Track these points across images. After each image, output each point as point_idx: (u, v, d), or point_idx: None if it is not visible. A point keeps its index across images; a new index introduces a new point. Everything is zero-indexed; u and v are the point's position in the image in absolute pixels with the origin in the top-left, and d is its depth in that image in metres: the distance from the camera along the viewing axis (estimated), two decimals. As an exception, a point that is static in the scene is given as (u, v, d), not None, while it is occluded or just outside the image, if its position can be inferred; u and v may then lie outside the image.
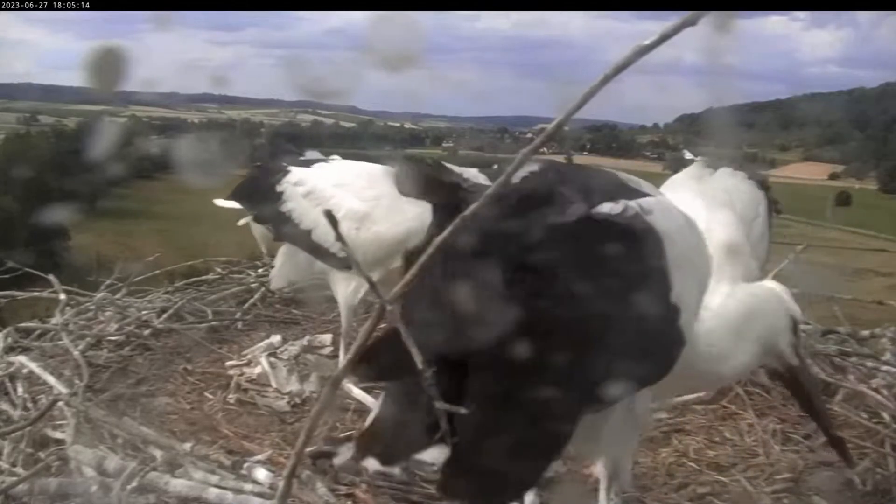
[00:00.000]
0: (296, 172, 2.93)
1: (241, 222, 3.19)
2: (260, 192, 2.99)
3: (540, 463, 1.35)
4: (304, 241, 2.87)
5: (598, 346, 1.29)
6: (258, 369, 3.10)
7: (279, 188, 2.90)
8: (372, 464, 1.27)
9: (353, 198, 2.72)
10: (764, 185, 2.73)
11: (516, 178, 1.53)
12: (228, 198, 3.10)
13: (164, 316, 3.59)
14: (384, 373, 1.28)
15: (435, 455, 1.24)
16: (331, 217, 1.13)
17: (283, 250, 3.14)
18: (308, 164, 3.00)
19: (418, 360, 1.00)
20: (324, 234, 2.80)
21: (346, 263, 2.79)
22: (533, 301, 1.25)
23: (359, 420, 2.74)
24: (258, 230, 3.20)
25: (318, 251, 2.85)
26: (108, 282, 3.81)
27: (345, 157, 3.15)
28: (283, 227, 2.92)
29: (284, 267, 3.17)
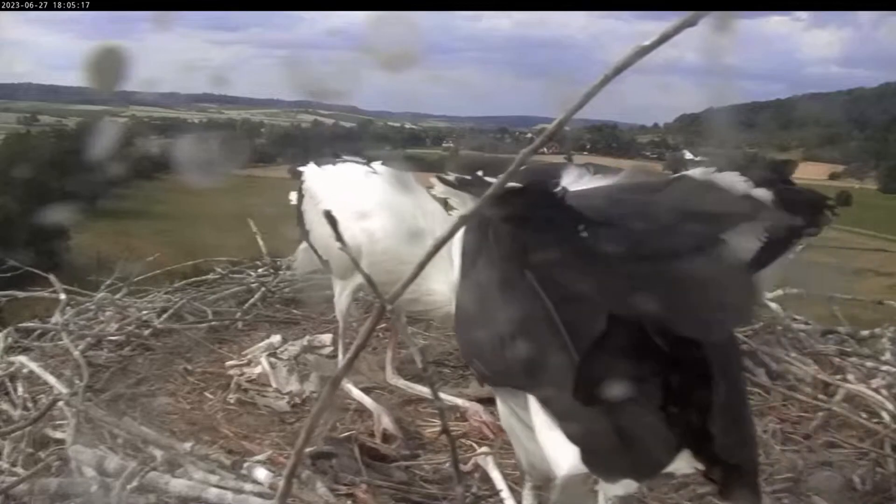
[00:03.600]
0: (308, 172, 3.01)
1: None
2: (298, 191, 3.08)
3: None
4: (308, 240, 2.99)
5: None
6: (258, 369, 3.10)
7: (302, 188, 3.01)
8: (624, 485, 1.13)
9: (333, 204, 2.72)
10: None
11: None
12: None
13: (165, 316, 3.59)
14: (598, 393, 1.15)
15: (681, 465, 1.16)
16: (330, 218, 1.13)
17: (303, 245, 3.20)
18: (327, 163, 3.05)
19: (419, 359, 1.00)
20: (314, 237, 2.92)
21: (328, 266, 2.89)
22: None
23: (358, 420, 2.75)
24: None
25: (314, 251, 2.95)
26: (108, 282, 3.81)
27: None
28: (301, 227, 3.03)
29: (304, 261, 3.28)
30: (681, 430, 1.14)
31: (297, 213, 3.04)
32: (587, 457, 1.14)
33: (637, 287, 1.16)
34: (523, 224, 1.30)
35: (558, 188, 1.41)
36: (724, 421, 1.15)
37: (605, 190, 1.52)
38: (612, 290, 1.18)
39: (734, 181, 1.43)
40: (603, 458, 1.14)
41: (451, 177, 1.69)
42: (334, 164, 3.03)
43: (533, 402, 1.28)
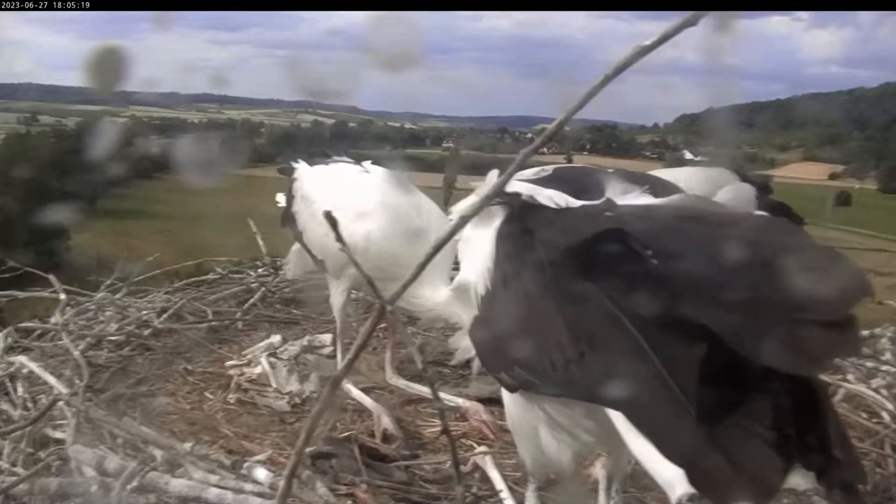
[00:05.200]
0: (299, 172, 3.00)
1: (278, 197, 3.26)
2: (287, 195, 3.09)
3: None
4: (301, 241, 2.98)
5: None
6: (258, 369, 3.10)
7: (293, 189, 3.00)
8: None
9: (328, 204, 2.72)
10: (765, 189, 2.75)
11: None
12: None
13: (165, 316, 3.59)
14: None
15: (799, 481, 1.15)
16: (330, 218, 1.13)
17: (295, 247, 3.20)
18: (318, 163, 3.04)
19: (419, 359, 1.00)
20: (308, 237, 2.91)
21: (324, 266, 2.88)
22: None
23: (358, 420, 2.75)
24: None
25: (307, 251, 2.94)
26: (108, 282, 3.82)
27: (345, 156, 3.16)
28: (293, 228, 3.01)
29: (297, 263, 3.27)
30: (797, 450, 1.13)
31: (286, 214, 3.03)
32: (696, 480, 1.14)
33: (735, 317, 1.15)
34: (580, 244, 1.33)
35: (608, 203, 1.46)
36: (839, 440, 1.16)
37: (665, 214, 1.47)
38: (703, 310, 1.18)
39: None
40: (713, 480, 1.13)
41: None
42: (326, 164, 3.03)
43: (617, 417, 1.27)
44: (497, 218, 1.62)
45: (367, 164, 3.03)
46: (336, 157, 3.09)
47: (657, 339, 1.20)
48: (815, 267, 1.23)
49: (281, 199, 3.24)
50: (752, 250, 1.27)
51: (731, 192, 2.63)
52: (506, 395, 1.66)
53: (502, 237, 1.56)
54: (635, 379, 1.21)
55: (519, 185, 1.58)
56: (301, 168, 3.03)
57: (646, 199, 1.53)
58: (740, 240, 1.30)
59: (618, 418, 1.27)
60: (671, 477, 1.16)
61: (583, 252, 1.34)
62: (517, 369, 1.48)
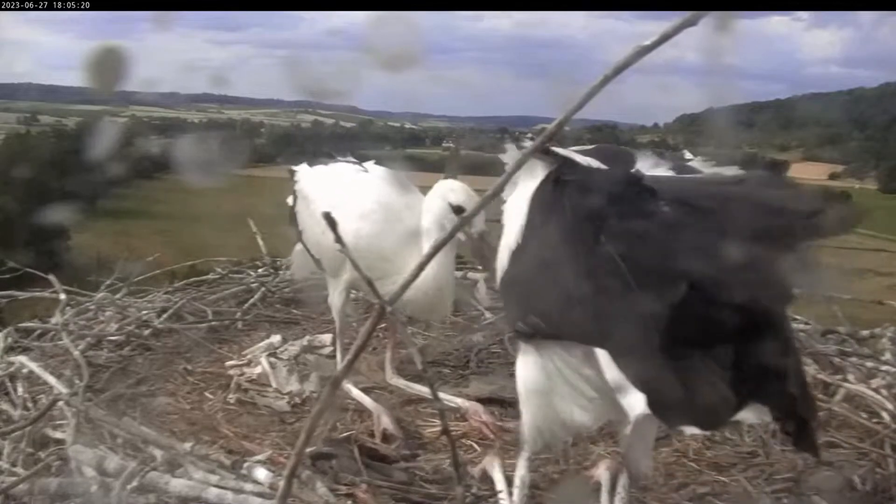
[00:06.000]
0: (300, 173, 3.02)
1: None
2: (291, 194, 3.09)
3: None
4: (301, 241, 3.00)
5: None
6: (258, 369, 3.10)
7: (295, 190, 3.02)
8: (690, 430, 1.33)
9: (324, 204, 2.71)
10: None
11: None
12: None
13: (164, 316, 3.59)
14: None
15: (749, 416, 1.30)
16: (330, 219, 1.13)
17: (298, 247, 3.21)
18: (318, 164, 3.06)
19: (418, 360, 1.00)
20: (306, 237, 2.93)
21: (321, 265, 2.90)
22: None
23: (358, 420, 2.75)
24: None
25: (306, 250, 2.96)
26: (108, 282, 3.81)
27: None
28: (295, 228, 3.04)
29: (300, 263, 3.29)
30: (753, 385, 1.26)
31: (291, 215, 3.06)
32: (653, 404, 1.28)
33: (707, 258, 1.31)
34: (603, 197, 1.48)
35: (636, 171, 1.62)
36: (797, 378, 1.29)
37: (682, 179, 1.67)
38: (687, 259, 1.33)
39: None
40: (667, 406, 1.28)
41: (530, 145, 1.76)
42: (326, 164, 3.04)
43: (602, 355, 1.41)
44: (539, 175, 1.74)
45: (368, 164, 3.04)
46: (339, 158, 3.10)
47: (644, 283, 1.33)
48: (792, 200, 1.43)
49: (290, 200, 3.26)
50: (743, 200, 1.45)
51: None
52: (519, 358, 1.77)
53: (538, 190, 1.69)
54: (618, 319, 1.36)
55: (561, 150, 1.72)
56: (302, 169, 3.04)
57: (671, 173, 1.69)
58: (737, 195, 1.49)
59: (601, 356, 1.41)
60: (634, 401, 1.32)
61: (598, 202, 1.49)
62: (531, 316, 1.61)
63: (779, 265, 1.31)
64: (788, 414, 1.31)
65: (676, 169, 1.72)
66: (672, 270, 1.31)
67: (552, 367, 1.65)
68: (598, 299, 1.40)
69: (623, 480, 1.84)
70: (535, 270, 1.65)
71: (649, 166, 1.70)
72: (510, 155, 1.87)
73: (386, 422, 2.64)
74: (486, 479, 2.23)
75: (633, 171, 1.64)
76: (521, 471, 1.93)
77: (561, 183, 1.61)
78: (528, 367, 1.74)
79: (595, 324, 1.41)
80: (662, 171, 1.70)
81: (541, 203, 1.66)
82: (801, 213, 1.38)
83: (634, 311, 1.32)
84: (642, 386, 1.30)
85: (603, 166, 1.65)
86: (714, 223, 1.38)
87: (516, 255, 1.72)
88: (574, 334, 1.52)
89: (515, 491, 1.96)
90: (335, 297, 2.91)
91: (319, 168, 3.02)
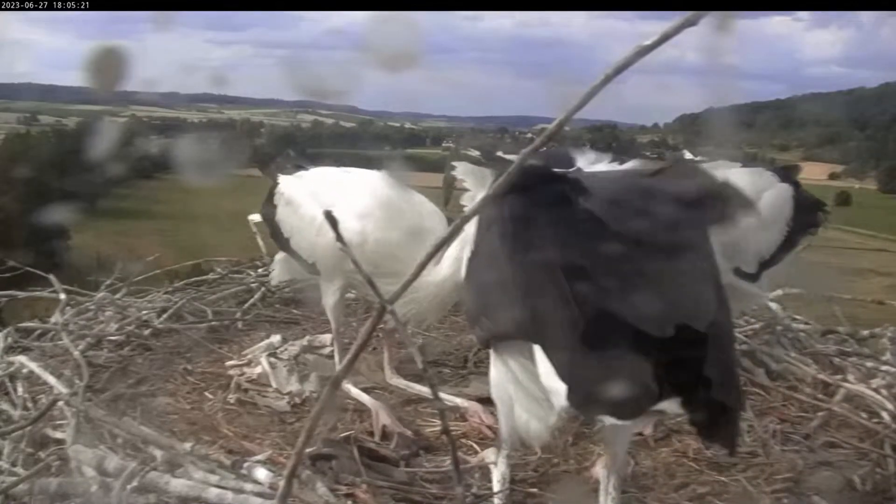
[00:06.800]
0: (282, 181, 3.01)
1: (251, 217, 3.25)
2: (266, 205, 3.08)
3: None
4: (288, 248, 2.98)
5: None
6: (258, 369, 3.10)
7: (275, 200, 2.99)
8: (608, 419, 1.35)
9: (318, 206, 2.71)
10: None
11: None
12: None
13: (164, 316, 3.59)
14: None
15: (670, 406, 1.31)
16: (331, 218, 1.13)
17: (280, 255, 3.21)
18: (298, 170, 3.05)
19: (418, 360, 1.00)
20: (296, 242, 2.91)
21: (315, 269, 2.88)
22: None
23: (358, 420, 2.75)
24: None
25: (295, 257, 2.95)
26: (108, 282, 3.81)
27: (345, 158, 3.17)
28: (278, 237, 3.02)
29: (282, 269, 3.28)
30: (670, 378, 1.29)
31: (272, 226, 3.02)
32: (571, 396, 1.34)
33: (626, 257, 1.39)
34: (535, 199, 1.52)
35: (573, 171, 1.69)
36: (713, 371, 1.30)
37: (615, 172, 1.75)
38: (609, 262, 1.40)
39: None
40: (585, 397, 1.33)
41: (475, 153, 1.89)
42: (306, 169, 3.04)
43: (538, 350, 1.46)
44: (489, 183, 1.83)
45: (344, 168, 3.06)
46: (307, 166, 3.10)
47: (571, 278, 1.39)
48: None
49: (255, 217, 3.29)
50: (661, 188, 1.54)
51: (773, 196, 2.63)
52: (491, 364, 1.82)
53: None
54: (547, 314, 1.41)
55: (508, 157, 1.79)
56: (283, 178, 3.02)
57: (610, 167, 1.77)
58: (654, 183, 1.59)
59: (537, 351, 1.46)
60: (558, 393, 1.37)
61: (529, 202, 1.54)
62: (483, 319, 1.68)
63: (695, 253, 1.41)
64: (699, 400, 1.32)
65: (618, 162, 1.80)
66: (591, 264, 1.39)
67: (510, 370, 1.70)
68: (530, 298, 1.47)
69: (613, 481, 1.85)
70: (483, 275, 1.71)
71: (589, 163, 1.77)
72: (462, 169, 1.98)
73: (384, 418, 2.64)
74: (485, 474, 2.23)
75: (570, 170, 1.71)
76: (500, 467, 1.98)
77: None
78: (493, 372, 1.80)
79: (529, 320, 1.47)
80: (603, 165, 1.78)
81: (487, 211, 1.69)
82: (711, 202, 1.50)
83: (560, 306, 1.37)
84: (565, 378, 1.36)
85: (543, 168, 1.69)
86: (634, 217, 1.47)
87: (470, 262, 1.79)
88: (515, 332, 1.58)
89: (496, 486, 2.00)
90: (330, 299, 2.91)
91: (302, 174, 3.01)
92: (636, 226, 1.45)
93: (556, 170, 1.67)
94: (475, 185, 2.00)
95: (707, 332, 1.34)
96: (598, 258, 1.42)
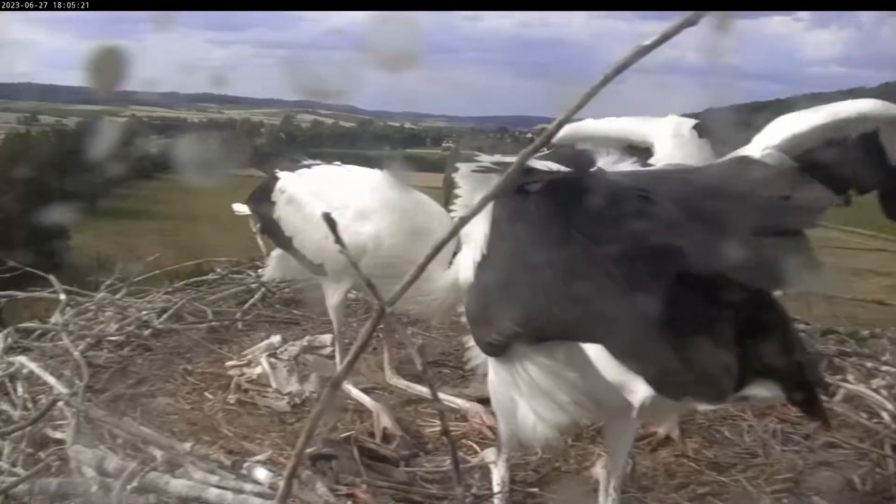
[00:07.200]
0: (283, 179, 2.97)
1: (236, 207, 3.25)
2: (261, 201, 3.05)
3: None
4: (289, 247, 2.94)
5: None
6: (258, 370, 3.10)
7: (273, 197, 2.96)
8: (698, 405, 1.35)
9: (326, 206, 2.66)
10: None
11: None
12: (245, 202, 3.21)
13: (164, 316, 3.59)
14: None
15: (760, 391, 1.31)
16: (329, 220, 1.13)
17: (277, 252, 3.19)
18: (298, 168, 3.03)
19: (418, 361, 1.00)
20: (300, 242, 2.88)
21: (321, 270, 2.85)
22: None
23: (358, 420, 2.75)
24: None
25: (297, 257, 2.92)
26: (108, 282, 3.81)
27: (345, 158, 3.16)
28: (276, 234, 2.99)
29: (277, 267, 3.26)
30: (757, 359, 1.28)
31: (269, 223, 2.99)
32: (654, 381, 1.28)
33: (692, 245, 1.34)
34: (572, 197, 1.49)
35: (599, 169, 1.64)
36: (799, 347, 1.33)
37: (649, 170, 1.74)
38: (673, 248, 1.35)
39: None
40: (669, 379, 1.27)
41: (484, 159, 1.82)
42: (309, 167, 3.02)
43: (593, 350, 1.39)
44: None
45: (337, 163, 3.05)
46: (308, 161, 3.09)
47: (630, 269, 1.34)
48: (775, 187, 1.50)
49: (241, 208, 3.25)
50: (715, 184, 1.51)
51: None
52: (490, 370, 1.76)
53: (500, 201, 1.66)
54: (609, 310, 1.35)
55: (513, 159, 1.68)
56: (285, 174, 2.99)
57: (634, 167, 1.73)
58: (704, 178, 1.56)
59: (593, 350, 1.39)
60: (636, 387, 1.31)
61: (565, 199, 1.51)
62: (505, 323, 1.57)
63: (761, 245, 1.35)
64: (796, 384, 1.32)
65: (639, 165, 1.76)
66: (658, 259, 1.34)
67: (513, 375, 1.65)
68: (586, 296, 1.39)
69: (613, 481, 1.85)
70: (508, 279, 1.62)
71: (611, 163, 1.72)
72: (462, 172, 1.90)
73: (385, 420, 2.64)
74: (485, 474, 2.23)
75: (596, 168, 1.66)
76: (500, 470, 1.97)
77: (524, 190, 1.57)
78: (499, 380, 1.73)
79: (588, 320, 1.39)
80: (625, 167, 1.73)
81: (505, 213, 1.64)
82: (768, 197, 1.46)
83: (624, 303, 1.33)
84: (642, 368, 1.30)
85: (564, 168, 1.64)
86: (689, 212, 1.42)
87: (483, 267, 1.70)
88: (565, 334, 1.49)
89: (496, 488, 1.99)
90: (334, 299, 2.90)
91: (303, 171, 2.99)
92: (688, 218, 1.41)
93: (591, 170, 1.65)
94: (472, 189, 1.94)
95: (779, 309, 1.35)
96: (654, 247, 1.37)
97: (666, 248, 1.35)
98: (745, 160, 1.69)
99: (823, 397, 2.87)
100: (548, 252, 1.49)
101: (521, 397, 1.67)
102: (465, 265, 1.81)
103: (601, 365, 1.38)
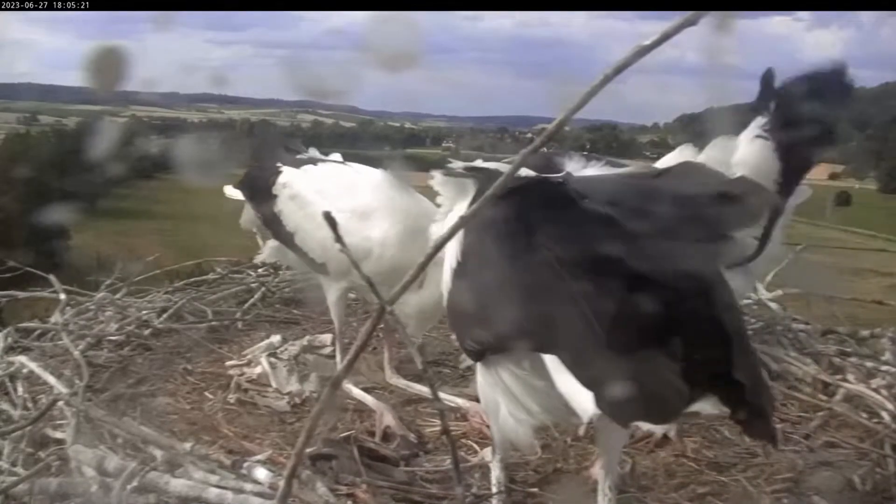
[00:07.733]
0: (286, 174, 2.96)
1: (227, 190, 3.26)
2: (259, 192, 3.02)
3: None
4: (290, 243, 2.94)
5: None
6: (258, 369, 3.10)
7: (274, 190, 2.95)
8: (647, 427, 1.39)
9: (330, 206, 2.64)
10: None
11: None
12: (236, 186, 3.21)
13: (164, 316, 3.59)
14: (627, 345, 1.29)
15: (707, 407, 1.32)
16: (329, 219, 1.13)
17: (273, 242, 3.17)
18: (301, 163, 3.02)
19: (418, 360, 1.00)
20: (302, 239, 2.87)
21: (323, 269, 2.84)
22: None
23: (358, 420, 2.75)
24: (248, 213, 3.26)
25: (299, 253, 2.92)
26: (108, 282, 3.81)
27: (345, 158, 3.15)
28: (276, 228, 2.98)
29: (273, 255, 3.27)
30: (704, 378, 1.27)
31: (269, 216, 2.98)
32: (602, 402, 1.26)
33: (643, 257, 1.33)
34: (532, 204, 1.47)
35: (562, 175, 1.63)
36: (744, 368, 1.29)
37: (610, 176, 1.70)
38: (625, 261, 1.33)
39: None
40: (616, 402, 1.25)
41: (456, 165, 1.84)
42: (314, 163, 3.01)
43: (550, 360, 1.39)
44: (470, 193, 1.79)
45: (337, 160, 3.05)
46: (316, 157, 3.09)
47: (584, 281, 1.34)
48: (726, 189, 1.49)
49: (232, 192, 3.22)
50: (669, 190, 1.50)
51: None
52: (477, 371, 1.76)
53: (469, 206, 1.72)
54: (564, 321, 1.34)
55: (489, 165, 1.75)
56: (285, 168, 2.98)
57: (602, 171, 1.73)
58: (660, 185, 1.55)
59: (550, 361, 1.39)
60: (585, 402, 1.29)
61: (525, 207, 1.49)
62: (477, 331, 1.59)
63: (710, 254, 1.37)
64: (738, 402, 1.31)
65: (608, 168, 1.75)
66: (610, 269, 1.33)
67: (497, 379, 1.65)
68: (540, 306, 1.40)
69: (609, 481, 1.85)
70: (477, 287, 1.63)
71: (579, 168, 1.72)
72: (438, 180, 1.94)
73: (389, 420, 2.64)
74: (485, 474, 2.23)
75: (562, 174, 1.65)
76: (495, 471, 1.98)
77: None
78: (484, 383, 1.74)
79: (541, 330, 1.40)
80: (593, 171, 1.72)
81: (475, 220, 1.65)
82: (724, 200, 1.45)
83: (577, 314, 1.31)
84: (591, 385, 1.29)
85: (531, 174, 1.63)
86: (642, 218, 1.41)
87: (457, 274, 1.71)
88: (522, 344, 1.49)
89: (493, 488, 1.99)
90: (335, 298, 2.90)
91: (309, 168, 2.97)
92: (644, 225, 1.40)
93: (545, 175, 1.63)
94: (452, 195, 1.96)
95: (729, 327, 1.32)
96: (609, 258, 1.35)
97: (618, 257, 1.34)
98: (690, 164, 1.74)
99: (822, 397, 2.89)
100: (511, 263, 1.49)
101: (501, 401, 1.68)
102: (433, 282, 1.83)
103: (555, 373, 1.38)
